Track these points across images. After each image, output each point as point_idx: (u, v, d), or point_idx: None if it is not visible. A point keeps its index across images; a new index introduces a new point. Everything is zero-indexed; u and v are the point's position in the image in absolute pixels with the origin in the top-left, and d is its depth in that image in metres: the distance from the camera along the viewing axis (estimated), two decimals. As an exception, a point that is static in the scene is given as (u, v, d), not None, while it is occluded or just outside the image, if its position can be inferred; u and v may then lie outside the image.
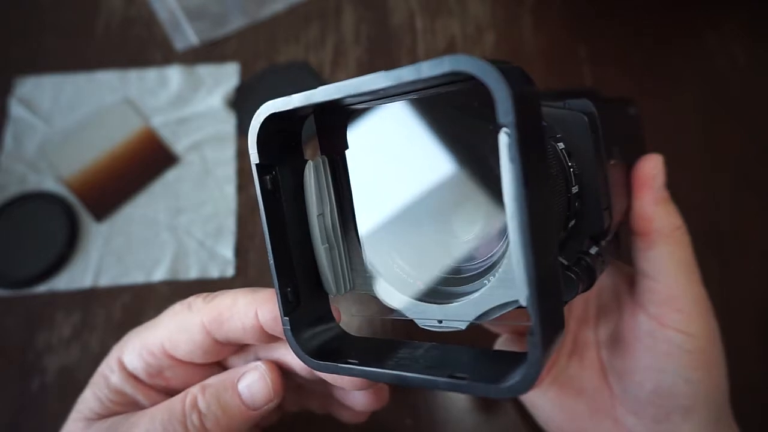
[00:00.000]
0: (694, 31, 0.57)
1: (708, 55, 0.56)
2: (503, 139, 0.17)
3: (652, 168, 0.31)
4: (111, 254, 0.48)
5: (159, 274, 0.47)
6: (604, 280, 0.37)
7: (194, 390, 0.28)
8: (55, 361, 0.44)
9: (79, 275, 0.47)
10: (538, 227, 0.18)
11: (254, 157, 0.23)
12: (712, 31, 0.57)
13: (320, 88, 0.21)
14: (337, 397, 0.30)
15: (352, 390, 0.28)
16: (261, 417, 0.28)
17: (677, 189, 0.32)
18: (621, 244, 0.35)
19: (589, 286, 0.26)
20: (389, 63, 0.57)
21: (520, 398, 0.38)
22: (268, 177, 0.23)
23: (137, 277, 0.47)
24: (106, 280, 0.47)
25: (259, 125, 0.23)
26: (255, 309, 0.26)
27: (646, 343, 0.31)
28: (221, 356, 0.30)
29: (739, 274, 0.46)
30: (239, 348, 0.31)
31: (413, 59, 0.57)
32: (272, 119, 0.23)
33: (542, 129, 0.19)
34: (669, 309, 0.30)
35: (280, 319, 0.25)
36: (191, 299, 0.29)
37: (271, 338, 0.27)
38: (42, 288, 0.47)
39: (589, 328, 0.37)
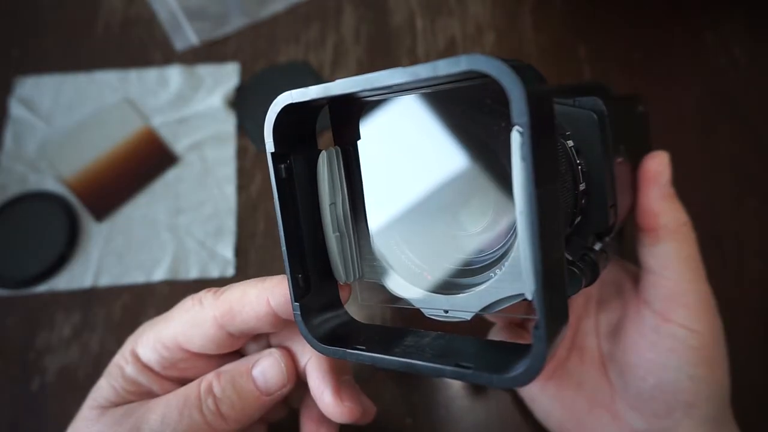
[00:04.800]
0: (694, 31, 0.57)
1: (708, 55, 0.56)
2: (515, 137, 0.17)
3: (658, 164, 0.31)
4: (111, 254, 0.48)
5: (159, 274, 0.47)
6: (607, 276, 0.37)
7: (209, 376, 0.28)
8: (55, 361, 0.44)
9: (79, 275, 0.47)
10: (547, 224, 0.18)
11: (270, 146, 0.23)
12: (712, 31, 0.57)
13: (337, 81, 0.21)
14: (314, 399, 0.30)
15: (340, 412, 0.28)
16: (274, 402, 0.28)
17: (677, 189, 0.32)
18: (624, 241, 0.35)
19: (592, 281, 0.26)
20: (389, 63, 0.57)
21: (520, 393, 0.38)
22: (282, 166, 0.24)
23: (137, 277, 0.47)
24: (106, 280, 0.47)
25: (275, 115, 0.23)
26: (266, 296, 0.27)
27: (649, 339, 0.31)
28: (234, 348, 0.30)
29: (739, 274, 0.46)
30: (252, 338, 0.31)
31: (413, 59, 0.57)
32: (288, 110, 0.23)
33: (554, 128, 0.19)
34: (674, 304, 0.31)
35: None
36: (201, 294, 0.29)
37: (285, 323, 0.28)
38: (42, 288, 0.47)
39: (589, 323, 0.37)
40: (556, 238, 0.19)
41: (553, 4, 0.60)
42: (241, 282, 0.28)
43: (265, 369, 0.28)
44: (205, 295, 0.29)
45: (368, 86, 0.20)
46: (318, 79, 0.55)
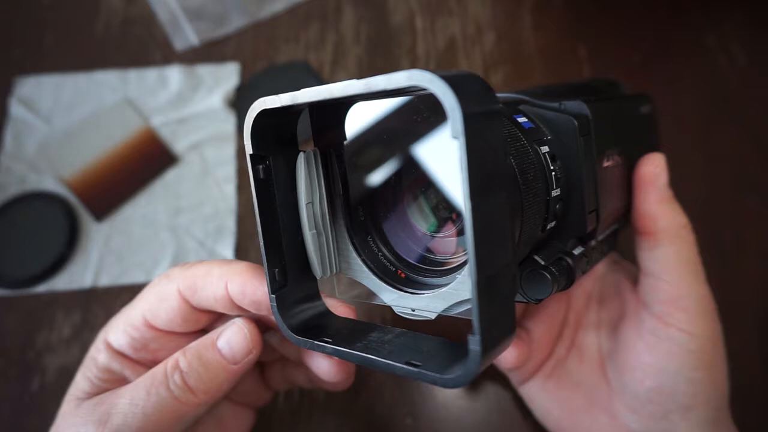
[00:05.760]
0: (694, 31, 0.57)
1: (708, 55, 0.56)
2: (457, 150, 0.18)
3: (654, 167, 0.31)
4: (111, 254, 0.48)
5: (159, 274, 0.47)
6: (607, 275, 0.37)
7: (176, 354, 0.28)
8: (55, 361, 0.44)
9: (79, 275, 0.47)
10: (484, 234, 0.18)
11: (248, 148, 0.25)
12: (711, 31, 0.57)
13: (303, 91, 0.22)
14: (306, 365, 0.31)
15: (324, 373, 0.29)
16: (243, 371, 0.29)
17: (677, 189, 0.32)
18: (618, 240, 0.35)
19: (566, 285, 0.27)
20: (389, 63, 0.57)
21: (519, 392, 0.38)
22: (261, 167, 0.25)
23: (137, 277, 0.47)
24: (106, 280, 0.47)
25: (252, 120, 0.24)
26: (225, 281, 0.27)
27: (648, 342, 0.31)
28: (200, 325, 0.30)
29: (738, 274, 0.46)
30: (219, 317, 0.31)
31: (413, 59, 0.57)
32: (266, 114, 0.24)
33: (499, 141, 0.19)
34: (673, 308, 0.30)
35: (247, 292, 0.27)
36: (170, 269, 0.30)
37: (241, 310, 0.28)
38: (42, 288, 0.47)
39: (589, 323, 0.37)
40: (498, 248, 0.19)
41: (553, 4, 0.60)
42: (211, 260, 0.29)
43: (230, 338, 0.28)
44: (174, 269, 0.29)
45: (329, 96, 0.21)
46: (318, 79, 0.55)
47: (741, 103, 0.54)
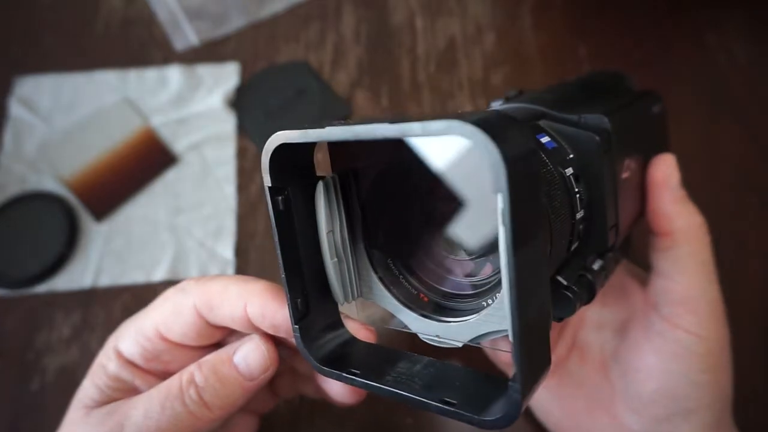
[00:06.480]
0: (694, 30, 0.57)
1: (708, 54, 0.56)
2: (498, 202, 0.17)
3: (666, 168, 0.31)
4: (111, 254, 0.48)
5: (159, 274, 0.47)
6: (611, 277, 0.37)
7: (191, 368, 0.28)
8: (55, 361, 0.44)
9: (79, 275, 0.47)
10: (526, 285, 0.18)
11: (267, 181, 0.24)
12: (712, 30, 0.57)
13: (330, 129, 0.21)
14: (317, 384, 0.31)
15: (338, 396, 0.29)
16: (259, 387, 0.28)
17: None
18: (631, 245, 0.35)
19: (588, 301, 0.26)
20: (389, 63, 0.57)
21: None
22: (280, 198, 0.24)
23: (137, 277, 0.47)
24: (106, 280, 0.47)
25: (271, 152, 0.23)
26: (244, 302, 0.27)
27: (655, 343, 0.31)
28: (215, 339, 0.30)
29: (739, 275, 0.46)
30: (233, 331, 0.31)
31: (413, 59, 0.57)
32: (284, 145, 0.23)
33: (537, 186, 0.19)
34: (683, 310, 0.30)
35: (267, 315, 0.26)
36: (184, 283, 0.29)
37: (258, 329, 0.28)
38: (42, 288, 0.47)
39: (591, 323, 0.37)
40: (539, 288, 0.19)
41: (553, 4, 0.60)
42: (226, 276, 0.28)
43: (247, 354, 0.28)
44: (188, 283, 0.29)
45: (359, 137, 0.21)
46: (318, 79, 0.55)
47: (741, 102, 0.54)
